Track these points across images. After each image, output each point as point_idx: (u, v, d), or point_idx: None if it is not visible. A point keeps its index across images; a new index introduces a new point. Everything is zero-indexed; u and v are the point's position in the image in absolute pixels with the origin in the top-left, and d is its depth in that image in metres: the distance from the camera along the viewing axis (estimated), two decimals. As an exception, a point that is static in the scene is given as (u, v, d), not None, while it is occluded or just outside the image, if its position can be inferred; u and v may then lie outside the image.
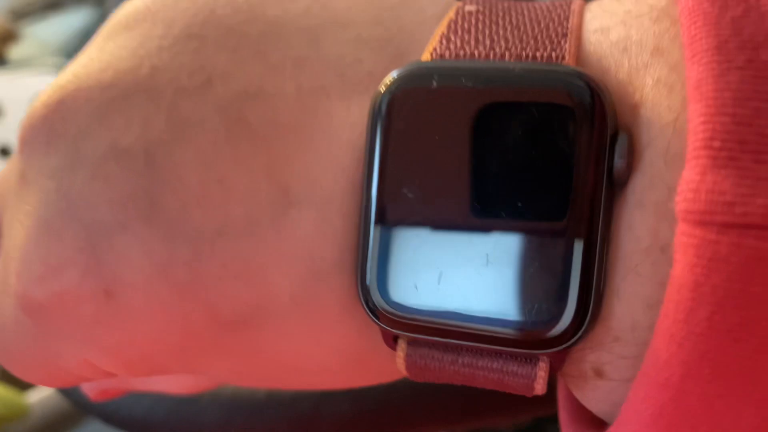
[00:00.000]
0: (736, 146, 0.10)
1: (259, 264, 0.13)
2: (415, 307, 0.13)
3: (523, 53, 0.13)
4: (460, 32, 0.14)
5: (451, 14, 0.14)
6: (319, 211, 0.13)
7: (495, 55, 0.13)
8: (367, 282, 0.13)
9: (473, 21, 0.14)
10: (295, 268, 0.13)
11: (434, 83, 0.13)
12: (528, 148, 0.12)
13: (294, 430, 0.31)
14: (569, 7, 0.14)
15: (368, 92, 0.14)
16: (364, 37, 0.14)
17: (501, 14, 0.14)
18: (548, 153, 0.12)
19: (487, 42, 0.13)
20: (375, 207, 0.13)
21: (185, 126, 0.13)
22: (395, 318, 0.13)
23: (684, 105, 0.12)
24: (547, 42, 0.13)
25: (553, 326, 0.12)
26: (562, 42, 0.13)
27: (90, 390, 0.20)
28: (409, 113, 0.13)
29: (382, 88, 0.13)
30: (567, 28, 0.13)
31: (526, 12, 0.14)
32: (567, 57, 0.13)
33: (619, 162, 0.12)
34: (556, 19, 0.14)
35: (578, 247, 0.12)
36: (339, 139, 0.13)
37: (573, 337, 0.12)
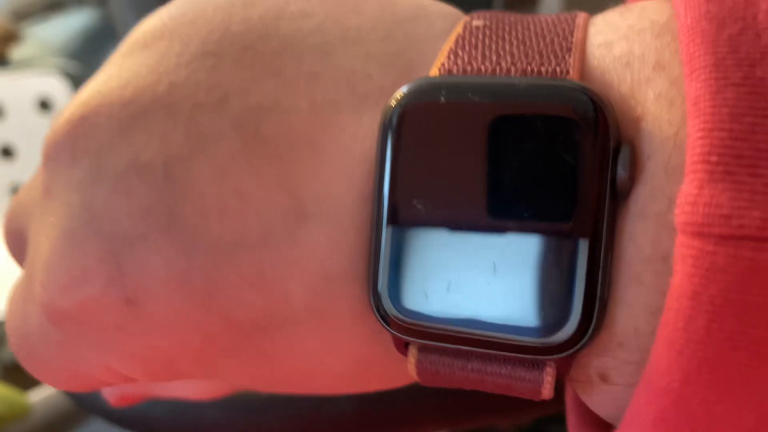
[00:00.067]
0: (733, 161, 0.11)
1: (275, 273, 0.14)
2: (425, 314, 0.13)
3: (528, 68, 0.13)
4: (467, 47, 0.14)
5: (459, 29, 0.15)
6: (331, 222, 0.14)
7: (501, 70, 0.14)
8: (379, 290, 0.14)
9: (480, 36, 0.14)
10: (308, 277, 0.14)
11: (442, 98, 0.13)
12: (534, 161, 0.13)
13: (294, 430, 0.31)
14: (574, 22, 0.14)
15: (378, 106, 0.14)
16: (374, 53, 0.14)
17: (507, 29, 0.14)
18: (553, 165, 0.13)
19: (494, 57, 0.14)
20: (386, 217, 0.13)
21: (203, 140, 0.14)
22: (406, 325, 0.14)
23: (684, 119, 0.12)
24: (551, 57, 0.13)
25: (560, 332, 0.13)
26: (567, 57, 0.13)
27: (110, 395, 0.21)
28: (419, 127, 0.13)
29: (393, 103, 0.14)
30: (571, 42, 0.14)
31: (532, 26, 0.14)
32: (571, 72, 0.13)
33: (621, 173, 0.12)
34: (561, 33, 0.14)
35: (583, 255, 0.12)
36: (351, 152, 0.14)
37: (578, 343, 0.13)
